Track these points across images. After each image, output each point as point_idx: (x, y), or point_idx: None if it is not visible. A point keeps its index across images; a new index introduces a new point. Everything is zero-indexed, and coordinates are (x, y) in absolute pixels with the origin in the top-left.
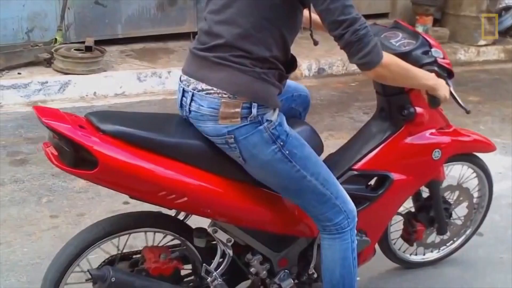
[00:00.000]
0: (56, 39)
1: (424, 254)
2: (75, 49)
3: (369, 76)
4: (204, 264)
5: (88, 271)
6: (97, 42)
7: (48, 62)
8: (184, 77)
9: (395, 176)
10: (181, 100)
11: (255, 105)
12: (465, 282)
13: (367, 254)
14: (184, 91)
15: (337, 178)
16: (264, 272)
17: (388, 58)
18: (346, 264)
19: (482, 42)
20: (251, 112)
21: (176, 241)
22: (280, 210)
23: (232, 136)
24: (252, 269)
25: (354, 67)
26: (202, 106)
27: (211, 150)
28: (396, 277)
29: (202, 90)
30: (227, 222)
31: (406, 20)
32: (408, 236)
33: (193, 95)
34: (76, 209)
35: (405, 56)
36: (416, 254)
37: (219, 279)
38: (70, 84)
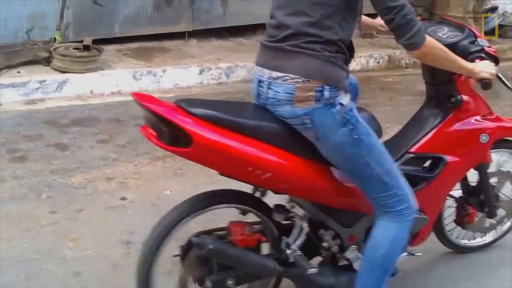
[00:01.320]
0: (55, 38)
1: (475, 239)
2: (73, 48)
3: (413, 55)
4: (283, 237)
5: (188, 239)
6: (95, 41)
7: (47, 61)
8: (259, 69)
9: (448, 158)
10: (258, 90)
11: (327, 88)
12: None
13: (424, 233)
14: (260, 81)
15: (396, 161)
16: (335, 247)
17: (430, 40)
18: (393, 248)
19: None
20: (323, 95)
21: (253, 218)
22: (348, 188)
23: (308, 117)
24: (324, 244)
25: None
26: (278, 92)
27: (287, 131)
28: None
29: (278, 77)
30: (302, 198)
31: None
32: (461, 219)
33: (269, 84)
34: (75, 205)
35: (453, 46)
36: (468, 239)
37: (297, 251)
38: (68, 83)
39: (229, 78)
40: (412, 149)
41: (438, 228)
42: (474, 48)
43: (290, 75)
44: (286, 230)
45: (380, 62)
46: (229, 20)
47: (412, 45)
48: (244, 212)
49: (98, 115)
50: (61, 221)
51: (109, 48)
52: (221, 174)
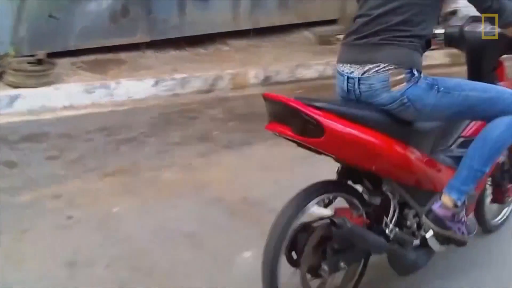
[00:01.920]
0: (9, 52)
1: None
2: (27, 63)
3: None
4: (384, 217)
5: (330, 218)
6: (51, 55)
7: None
8: (347, 66)
9: None
10: (347, 86)
11: (414, 70)
12: None
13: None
14: (349, 78)
15: (450, 146)
16: (415, 225)
17: None
18: (508, 132)
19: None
20: (412, 75)
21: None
22: (427, 168)
23: (405, 96)
24: (408, 223)
25: (300, 75)
26: (373, 84)
27: (387, 117)
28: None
29: (370, 70)
30: (396, 180)
31: None
32: (501, 196)
33: (359, 79)
34: (21, 225)
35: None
36: (495, 218)
37: (396, 229)
38: (20, 98)
39: (184, 89)
40: (463, 133)
41: (479, 210)
42: None
43: (382, 64)
44: (380, 212)
45: None
46: (186, 29)
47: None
48: (329, 201)
49: (49, 131)
50: (5, 242)
51: (64, 62)
52: (339, 161)
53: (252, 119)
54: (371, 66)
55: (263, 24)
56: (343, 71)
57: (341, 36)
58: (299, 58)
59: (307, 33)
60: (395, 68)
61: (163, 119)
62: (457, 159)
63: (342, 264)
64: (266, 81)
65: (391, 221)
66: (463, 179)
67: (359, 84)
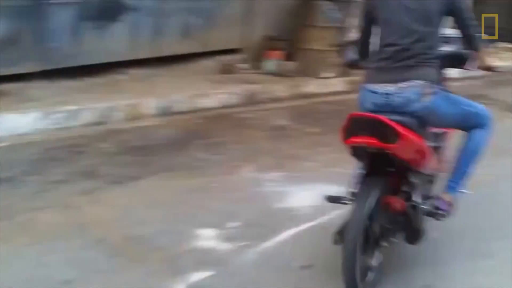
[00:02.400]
0: None
1: None
2: None
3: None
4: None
5: (412, 202)
6: None
7: None
8: (382, 85)
9: None
10: (384, 100)
11: (436, 84)
12: None
13: None
14: (387, 94)
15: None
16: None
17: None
18: (483, 143)
19: (328, 75)
20: (436, 88)
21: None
22: (434, 156)
23: (431, 105)
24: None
25: (201, 104)
26: (408, 95)
27: (415, 120)
28: None
29: (405, 87)
30: (417, 169)
31: (257, 55)
32: None
33: (395, 93)
34: None
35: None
36: None
37: (424, 205)
38: None
39: (74, 122)
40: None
41: None
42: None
43: (416, 81)
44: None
45: (239, 98)
46: (82, 58)
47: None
48: None
49: None
50: None
51: None
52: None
53: (146, 152)
54: (406, 83)
55: (165, 52)
56: (377, 89)
57: (243, 65)
58: (200, 87)
59: (209, 62)
60: (424, 83)
61: (47, 155)
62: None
63: (392, 239)
64: (165, 111)
65: (418, 203)
66: (457, 182)
67: (396, 98)
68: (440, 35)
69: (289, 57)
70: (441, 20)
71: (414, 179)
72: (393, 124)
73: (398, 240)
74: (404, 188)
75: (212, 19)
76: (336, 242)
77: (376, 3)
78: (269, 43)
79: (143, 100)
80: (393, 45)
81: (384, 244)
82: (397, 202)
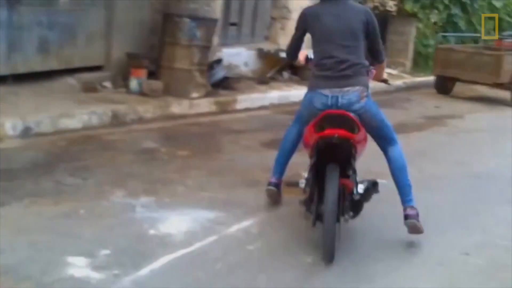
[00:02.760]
0: None
1: None
2: None
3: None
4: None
5: (375, 180)
6: None
7: None
8: (328, 90)
9: None
10: (330, 101)
11: (368, 89)
12: None
13: None
14: (332, 96)
15: None
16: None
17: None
18: (405, 163)
19: (194, 95)
20: (368, 92)
21: None
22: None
23: (366, 105)
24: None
25: (63, 125)
26: (351, 98)
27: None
28: None
29: (348, 90)
30: (357, 156)
31: (121, 73)
32: None
33: (342, 95)
34: None
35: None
36: None
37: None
38: None
39: None
40: None
41: None
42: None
43: (356, 87)
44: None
45: (104, 118)
46: None
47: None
48: None
49: None
50: None
51: None
52: (352, 146)
53: (7, 176)
54: (348, 88)
55: (22, 70)
56: (326, 93)
57: (107, 84)
58: (62, 107)
59: (71, 80)
60: (361, 88)
61: None
62: None
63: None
64: (26, 132)
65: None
66: (410, 195)
67: (341, 99)
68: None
69: (154, 76)
70: (363, 36)
71: (354, 165)
72: (355, 119)
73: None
74: (349, 172)
75: (73, 34)
76: (307, 217)
77: (310, 23)
78: (133, 61)
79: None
80: (331, 57)
81: (342, 219)
82: (350, 184)
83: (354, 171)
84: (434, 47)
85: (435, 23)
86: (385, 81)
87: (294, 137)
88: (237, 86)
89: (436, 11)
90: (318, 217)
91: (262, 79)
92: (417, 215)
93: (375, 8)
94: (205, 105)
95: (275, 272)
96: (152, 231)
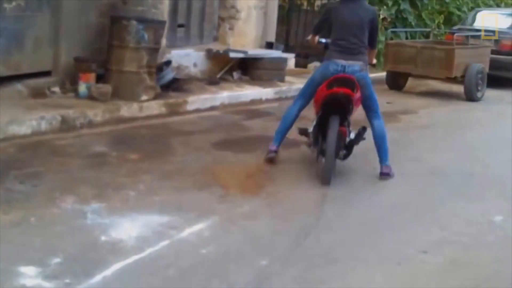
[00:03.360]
0: None
1: None
2: None
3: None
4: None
5: (363, 127)
6: None
7: None
8: (340, 60)
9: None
10: (341, 68)
11: (367, 65)
12: None
13: None
14: (342, 65)
15: None
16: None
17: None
18: (385, 133)
19: (144, 97)
20: (367, 67)
21: None
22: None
23: (365, 75)
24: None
25: (12, 131)
26: (354, 68)
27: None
28: None
29: (354, 64)
30: (352, 111)
31: (70, 77)
32: None
33: (348, 65)
34: None
35: None
36: None
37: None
38: None
39: None
40: None
41: None
42: None
43: (359, 62)
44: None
45: (53, 124)
46: None
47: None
48: None
49: None
50: None
51: None
52: (351, 102)
53: None
54: (354, 61)
55: None
56: (338, 62)
57: (56, 89)
58: (10, 114)
59: (19, 86)
60: (363, 64)
61: None
62: None
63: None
64: None
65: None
66: (386, 156)
67: (348, 68)
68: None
69: (103, 79)
70: (368, 28)
71: (349, 118)
72: (355, 81)
73: (343, 154)
74: (345, 123)
75: (20, 40)
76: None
77: (333, 14)
78: (81, 65)
79: None
80: (344, 40)
81: (340, 153)
82: (345, 130)
83: (349, 123)
84: (384, 43)
85: (384, 19)
86: (373, 64)
87: (295, 112)
88: (187, 88)
89: (385, 7)
90: (321, 152)
91: (212, 80)
92: (390, 170)
93: (323, 5)
94: (155, 107)
95: (229, 276)
96: (103, 238)
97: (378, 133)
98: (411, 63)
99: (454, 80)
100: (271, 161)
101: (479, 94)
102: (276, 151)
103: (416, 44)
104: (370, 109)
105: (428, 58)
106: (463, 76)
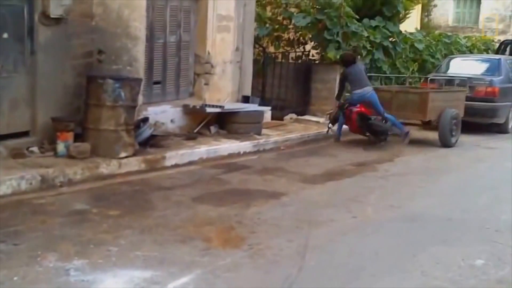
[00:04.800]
0: None
1: None
2: None
3: None
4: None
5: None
6: None
7: None
8: (358, 91)
9: None
10: (360, 94)
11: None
12: None
13: None
14: (359, 93)
15: None
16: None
17: None
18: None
19: (123, 154)
20: (372, 90)
21: None
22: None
23: (372, 95)
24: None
25: None
26: (366, 92)
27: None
28: None
29: (364, 90)
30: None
31: (48, 137)
32: None
33: (362, 92)
34: None
35: None
36: None
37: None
38: None
39: None
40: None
41: None
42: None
43: (367, 88)
44: None
45: (33, 183)
46: None
47: None
48: None
49: None
50: None
51: None
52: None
53: None
54: (364, 89)
55: None
56: (357, 92)
57: (34, 149)
58: None
59: None
60: (369, 88)
61: None
62: None
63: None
64: None
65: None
66: (399, 125)
67: (367, 94)
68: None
69: (80, 138)
70: (364, 72)
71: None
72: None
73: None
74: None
75: None
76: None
77: (347, 75)
78: (58, 125)
79: None
80: (357, 88)
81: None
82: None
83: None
84: None
85: None
86: None
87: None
88: (164, 143)
89: (359, 57)
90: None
91: (190, 135)
92: (407, 133)
93: (298, 58)
94: (134, 164)
95: None
96: None
97: (391, 119)
98: (386, 108)
99: (428, 127)
100: (337, 141)
101: (453, 140)
102: (339, 136)
103: (391, 89)
104: (378, 112)
105: (402, 102)
106: (437, 121)
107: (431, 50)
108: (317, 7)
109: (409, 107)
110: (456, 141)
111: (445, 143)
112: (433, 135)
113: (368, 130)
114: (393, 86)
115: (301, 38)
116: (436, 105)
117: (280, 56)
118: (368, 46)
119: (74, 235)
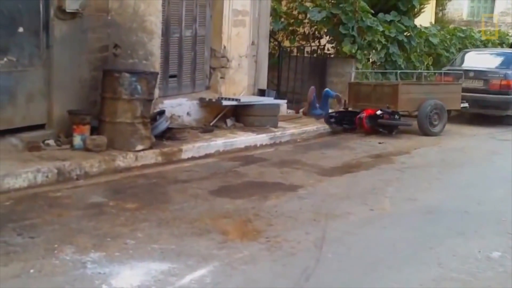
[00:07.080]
0: None
1: None
2: None
3: None
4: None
5: (392, 110)
6: None
7: None
8: None
9: None
10: None
11: None
12: None
13: None
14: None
15: None
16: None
17: None
18: None
19: (139, 147)
20: None
21: None
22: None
23: None
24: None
25: (8, 185)
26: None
27: None
28: None
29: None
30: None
31: (64, 130)
32: None
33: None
34: None
35: None
36: None
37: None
38: None
39: None
40: None
41: None
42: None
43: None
44: None
45: (49, 176)
46: None
47: None
48: None
49: None
50: None
51: None
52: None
53: None
54: None
55: None
56: None
57: (51, 142)
58: (6, 167)
59: (13, 140)
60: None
61: None
62: None
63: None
64: None
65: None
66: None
67: None
68: None
69: (96, 131)
70: None
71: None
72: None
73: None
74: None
75: (13, 95)
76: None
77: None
78: (75, 118)
79: None
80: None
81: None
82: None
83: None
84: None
85: (373, 63)
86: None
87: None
88: (181, 136)
89: (374, 51)
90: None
91: (206, 128)
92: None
93: (313, 52)
94: (150, 156)
95: None
96: (104, 287)
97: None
98: (367, 100)
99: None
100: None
101: (435, 129)
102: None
103: (371, 83)
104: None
105: (379, 95)
106: (416, 111)
107: (446, 44)
108: (332, 1)
109: (385, 99)
110: (441, 130)
111: (424, 132)
112: (449, 128)
113: (380, 127)
114: (372, 81)
115: (316, 32)
116: (413, 97)
117: (295, 50)
118: (383, 40)
119: (90, 228)
